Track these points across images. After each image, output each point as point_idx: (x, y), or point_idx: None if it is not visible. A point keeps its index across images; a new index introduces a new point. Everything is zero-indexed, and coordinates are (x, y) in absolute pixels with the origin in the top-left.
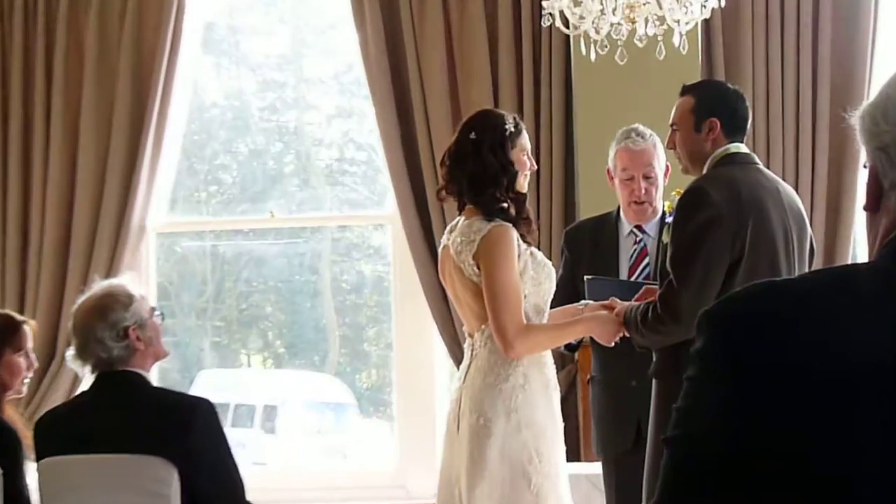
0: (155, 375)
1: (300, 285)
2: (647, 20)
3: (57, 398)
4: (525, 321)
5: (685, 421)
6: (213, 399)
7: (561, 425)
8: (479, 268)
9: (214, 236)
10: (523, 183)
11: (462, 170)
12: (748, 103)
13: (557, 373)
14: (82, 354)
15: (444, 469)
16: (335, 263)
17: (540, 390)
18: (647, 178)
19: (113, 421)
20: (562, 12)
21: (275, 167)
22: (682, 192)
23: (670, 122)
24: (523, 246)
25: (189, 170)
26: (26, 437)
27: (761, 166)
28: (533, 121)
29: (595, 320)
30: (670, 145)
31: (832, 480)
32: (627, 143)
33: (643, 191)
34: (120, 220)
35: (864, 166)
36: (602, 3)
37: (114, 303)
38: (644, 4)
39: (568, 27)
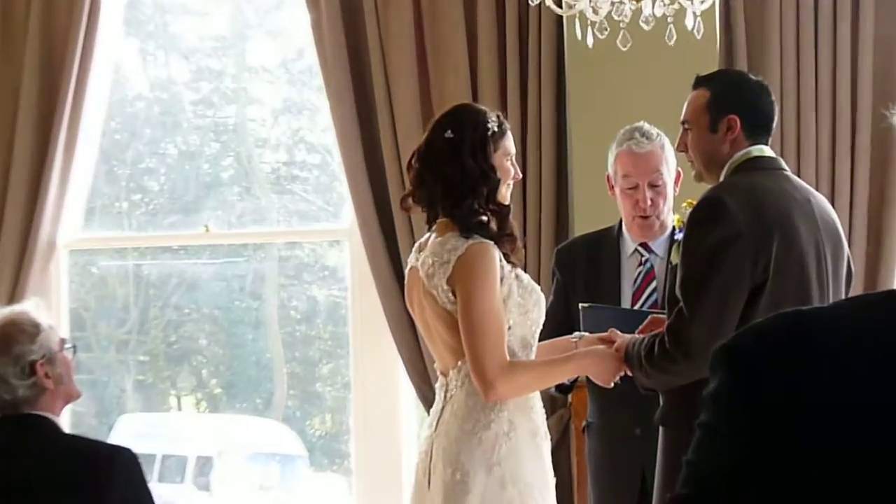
0: (66, 420)
1: (241, 313)
2: None
3: None
4: (509, 357)
5: (697, 477)
6: (136, 449)
7: (552, 481)
8: (454, 294)
9: (138, 254)
10: (506, 193)
11: (435, 175)
12: (774, 97)
13: (547, 418)
14: None
15: None
16: (283, 287)
17: (527, 439)
18: (653, 186)
19: (17, 473)
20: None
21: (210, 172)
22: (694, 203)
23: (681, 119)
24: (507, 267)
25: (108, 175)
26: None
27: (789, 173)
28: (518, 119)
29: (591, 356)
30: (681, 147)
31: None
32: (630, 145)
33: (649, 202)
34: (25, 234)
35: None
36: None
37: (18, 333)
38: None
39: (560, 6)
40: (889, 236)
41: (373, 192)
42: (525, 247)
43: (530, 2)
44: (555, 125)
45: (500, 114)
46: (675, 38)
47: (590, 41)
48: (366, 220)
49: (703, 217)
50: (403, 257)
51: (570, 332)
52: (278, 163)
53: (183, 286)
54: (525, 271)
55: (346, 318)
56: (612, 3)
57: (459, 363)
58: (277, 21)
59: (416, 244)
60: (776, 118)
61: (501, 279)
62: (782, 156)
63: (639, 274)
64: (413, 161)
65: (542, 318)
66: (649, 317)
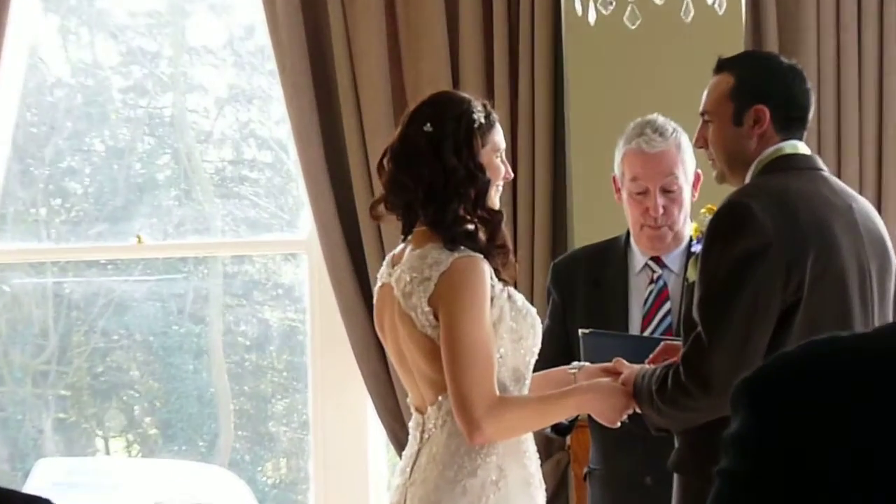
0: None
1: (179, 339)
2: None
3: None
4: (499, 392)
5: None
6: (56, 499)
7: None
8: (436, 316)
9: (59, 270)
10: (496, 197)
11: (411, 177)
12: (810, 84)
13: (543, 464)
14: None
15: None
16: (229, 308)
17: (519, 489)
18: (666, 191)
19: None
20: None
21: (144, 172)
22: (715, 209)
23: (701, 110)
24: (498, 286)
25: (23, 176)
26: None
27: (827, 174)
28: (508, 109)
29: (594, 391)
30: (701, 143)
31: None
32: (640, 142)
33: (661, 210)
34: None
35: None
36: None
37: None
38: None
39: None
40: None
41: (335, 197)
42: (516, 260)
43: None
44: (550, 116)
45: (486, 103)
46: (692, 14)
47: (591, 18)
48: (327, 230)
49: (725, 226)
50: (371, 273)
51: (569, 362)
52: (224, 161)
53: (111, 307)
54: (517, 289)
55: (303, 344)
56: None
57: (440, 398)
58: None
59: (389, 257)
60: (812, 109)
61: (492, 299)
62: (819, 153)
63: (650, 293)
64: (385, 160)
65: (538, 346)
66: (662, 344)
